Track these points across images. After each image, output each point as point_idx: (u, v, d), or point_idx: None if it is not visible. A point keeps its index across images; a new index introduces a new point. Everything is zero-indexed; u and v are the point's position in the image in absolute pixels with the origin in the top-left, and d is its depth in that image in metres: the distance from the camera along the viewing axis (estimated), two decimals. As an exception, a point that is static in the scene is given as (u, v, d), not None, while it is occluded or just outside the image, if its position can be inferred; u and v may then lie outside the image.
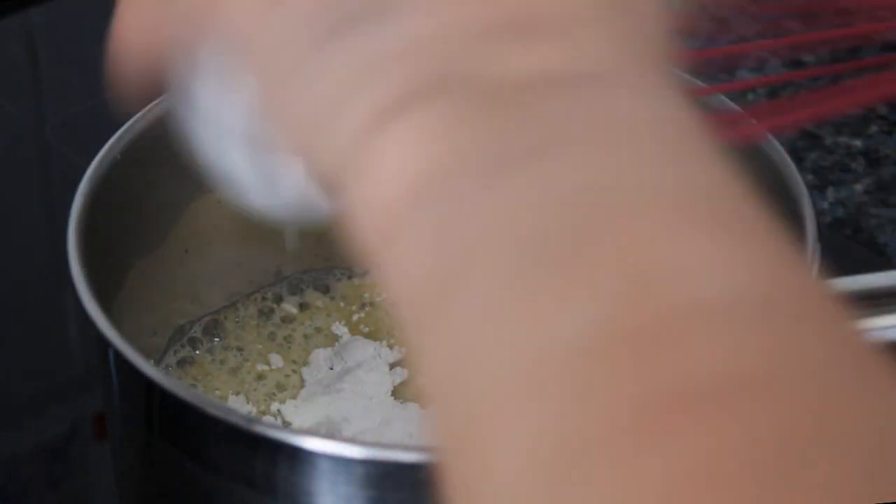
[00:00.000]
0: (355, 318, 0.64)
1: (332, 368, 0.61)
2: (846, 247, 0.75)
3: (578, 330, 0.25)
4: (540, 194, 0.27)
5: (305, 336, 0.63)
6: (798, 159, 0.80)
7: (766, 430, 0.24)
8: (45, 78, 0.87)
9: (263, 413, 0.59)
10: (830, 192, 0.79)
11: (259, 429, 0.45)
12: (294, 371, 0.62)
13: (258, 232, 0.62)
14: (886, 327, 0.53)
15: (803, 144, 0.81)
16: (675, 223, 0.27)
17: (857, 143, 0.82)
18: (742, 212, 0.28)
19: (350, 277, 0.64)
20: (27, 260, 0.74)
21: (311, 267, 0.64)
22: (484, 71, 0.29)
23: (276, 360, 0.62)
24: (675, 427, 0.24)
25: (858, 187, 0.79)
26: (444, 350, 0.27)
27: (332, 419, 0.58)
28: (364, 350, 0.62)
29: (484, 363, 0.26)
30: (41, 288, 0.72)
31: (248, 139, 0.34)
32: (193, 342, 0.61)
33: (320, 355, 0.62)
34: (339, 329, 0.63)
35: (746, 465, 0.23)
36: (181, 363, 0.61)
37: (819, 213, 0.78)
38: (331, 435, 0.57)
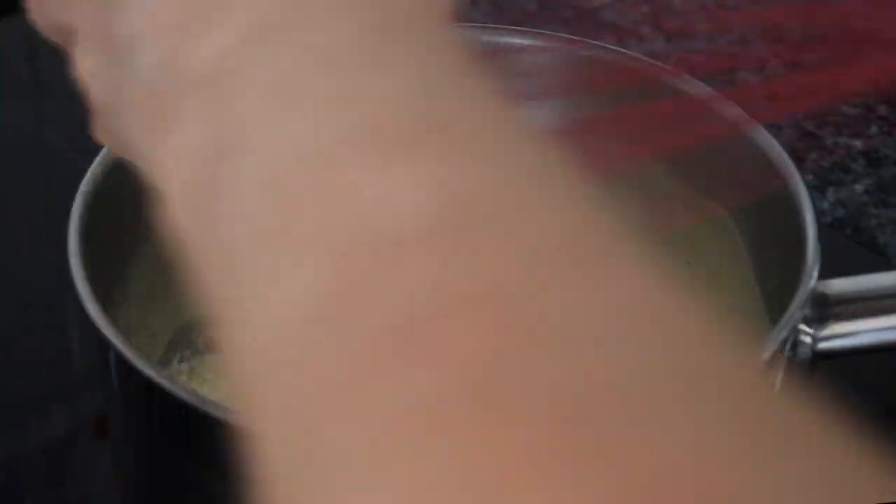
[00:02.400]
0: None
1: None
2: (846, 247, 0.75)
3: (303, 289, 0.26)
4: None
5: None
6: (798, 159, 0.80)
7: (477, 351, 0.24)
8: (45, 78, 0.87)
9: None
10: (830, 192, 0.79)
11: None
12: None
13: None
14: (886, 328, 0.53)
15: (803, 144, 0.81)
16: (367, 155, 0.27)
17: (857, 143, 0.82)
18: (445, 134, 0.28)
19: None
20: (27, 260, 0.74)
21: None
22: None
23: None
24: (396, 359, 0.24)
25: (858, 187, 0.79)
26: None
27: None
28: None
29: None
30: (41, 288, 0.72)
31: None
32: (194, 343, 0.61)
33: None
34: None
35: (463, 391, 0.23)
36: (181, 362, 0.61)
37: (819, 213, 0.78)
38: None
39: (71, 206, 0.53)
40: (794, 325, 0.50)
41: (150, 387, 0.47)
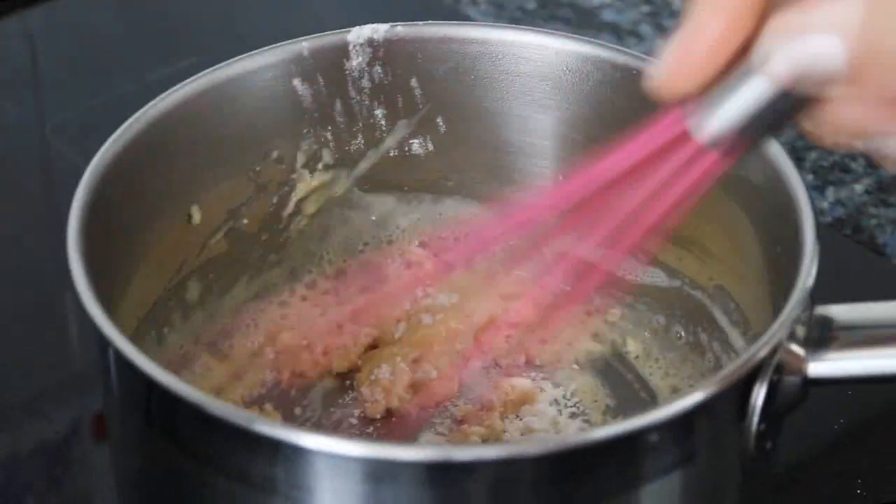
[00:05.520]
0: None
1: None
2: (846, 247, 0.75)
3: None
4: None
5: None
6: (798, 159, 0.80)
7: None
8: (45, 78, 0.87)
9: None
10: (830, 192, 0.79)
11: (259, 427, 0.45)
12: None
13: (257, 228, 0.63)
14: (884, 358, 0.51)
15: (803, 144, 0.81)
16: None
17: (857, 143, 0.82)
18: None
19: None
20: (27, 260, 0.74)
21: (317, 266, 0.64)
22: None
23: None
24: None
25: (858, 187, 0.79)
26: None
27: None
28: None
29: None
30: (41, 288, 0.72)
31: None
32: (196, 341, 0.61)
33: None
34: None
35: None
36: (183, 361, 0.61)
37: (819, 213, 0.78)
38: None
39: (71, 206, 0.53)
40: (780, 344, 0.48)
41: (151, 385, 0.47)
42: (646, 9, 0.92)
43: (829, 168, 0.80)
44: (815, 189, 0.78)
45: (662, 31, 0.90)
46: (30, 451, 0.65)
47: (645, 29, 0.91)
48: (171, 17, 0.91)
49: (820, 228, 0.76)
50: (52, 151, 0.82)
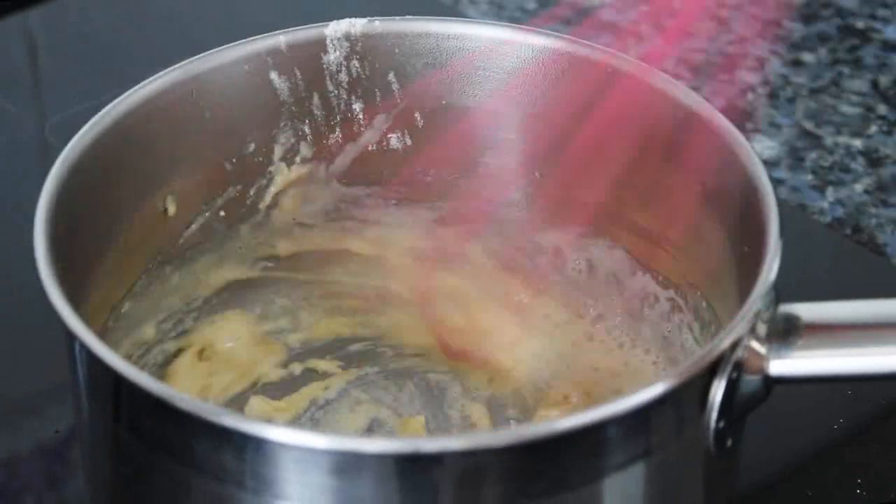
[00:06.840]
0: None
1: None
2: (846, 247, 0.75)
3: None
4: None
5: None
6: (798, 159, 0.80)
7: None
8: (45, 78, 0.87)
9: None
10: (830, 192, 0.79)
11: (225, 420, 0.45)
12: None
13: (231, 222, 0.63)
14: (850, 357, 0.50)
15: (803, 144, 0.81)
16: None
17: (857, 143, 0.82)
18: None
19: None
20: (26, 259, 0.74)
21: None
22: None
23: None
24: None
25: (858, 187, 0.79)
26: None
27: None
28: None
29: None
30: (41, 287, 0.72)
31: None
32: (174, 336, 0.62)
33: None
34: None
35: None
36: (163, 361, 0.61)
37: (819, 213, 0.78)
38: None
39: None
40: (739, 339, 0.47)
41: (118, 380, 0.47)
42: (646, 9, 0.92)
43: (829, 168, 0.80)
44: (815, 189, 0.78)
45: (662, 31, 0.90)
46: (30, 451, 0.65)
47: (645, 29, 0.91)
48: (171, 17, 0.91)
49: (820, 228, 0.76)
50: (52, 151, 0.81)
